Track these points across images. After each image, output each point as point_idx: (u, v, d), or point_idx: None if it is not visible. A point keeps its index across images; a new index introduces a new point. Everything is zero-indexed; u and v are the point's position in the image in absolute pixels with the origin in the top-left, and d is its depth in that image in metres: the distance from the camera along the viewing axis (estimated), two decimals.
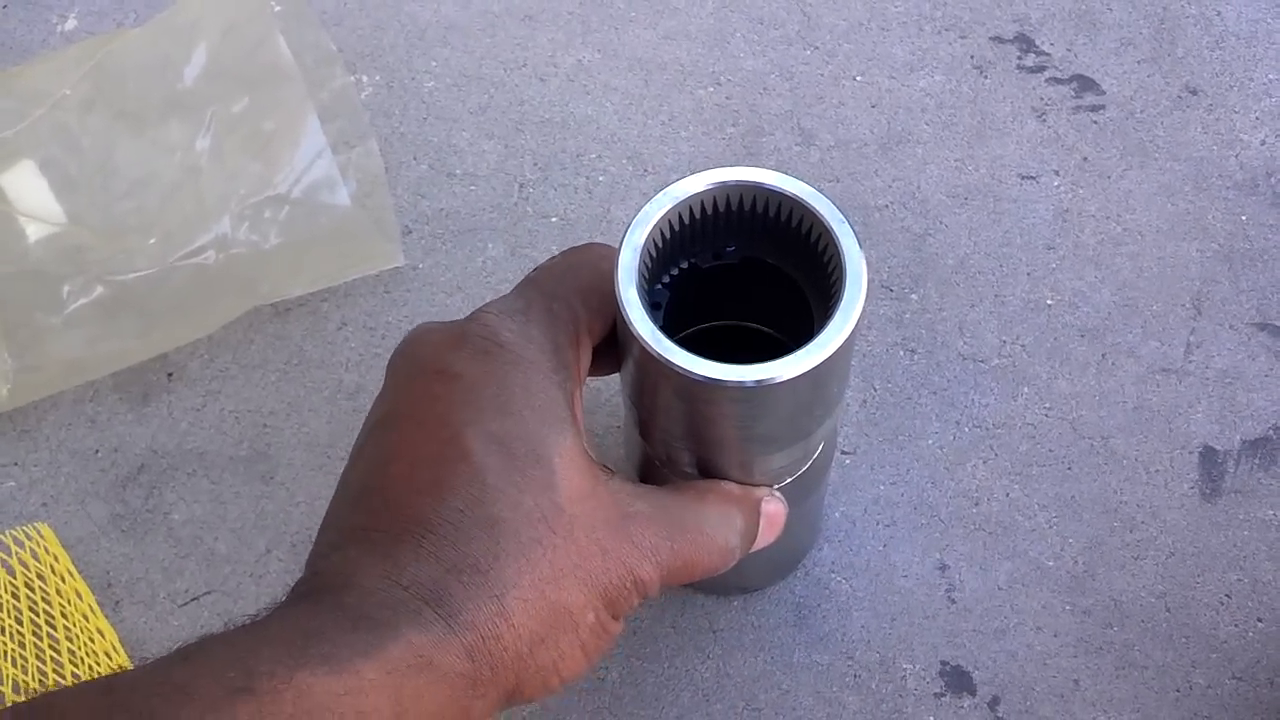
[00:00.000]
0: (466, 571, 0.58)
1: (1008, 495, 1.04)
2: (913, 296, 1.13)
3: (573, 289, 0.79)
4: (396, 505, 0.61)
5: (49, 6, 1.29)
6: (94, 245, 0.97)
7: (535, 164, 1.21)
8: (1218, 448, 1.05)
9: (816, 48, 1.28)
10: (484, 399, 0.63)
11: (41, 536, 0.99)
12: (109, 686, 0.51)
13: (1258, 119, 1.22)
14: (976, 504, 1.03)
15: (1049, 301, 1.13)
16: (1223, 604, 0.99)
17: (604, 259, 0.86)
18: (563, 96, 1.25)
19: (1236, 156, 1.20)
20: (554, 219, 1.18)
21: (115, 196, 0.99)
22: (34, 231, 0.98)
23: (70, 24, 1.28)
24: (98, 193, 0.99)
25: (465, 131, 1.22)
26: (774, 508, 0.78)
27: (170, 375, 1.10)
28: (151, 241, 0.97)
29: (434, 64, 1.26)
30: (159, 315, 1.02)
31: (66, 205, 1.00)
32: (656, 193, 0.81)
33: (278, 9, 1.09)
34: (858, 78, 1.26)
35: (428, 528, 0.59)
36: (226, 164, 1.00)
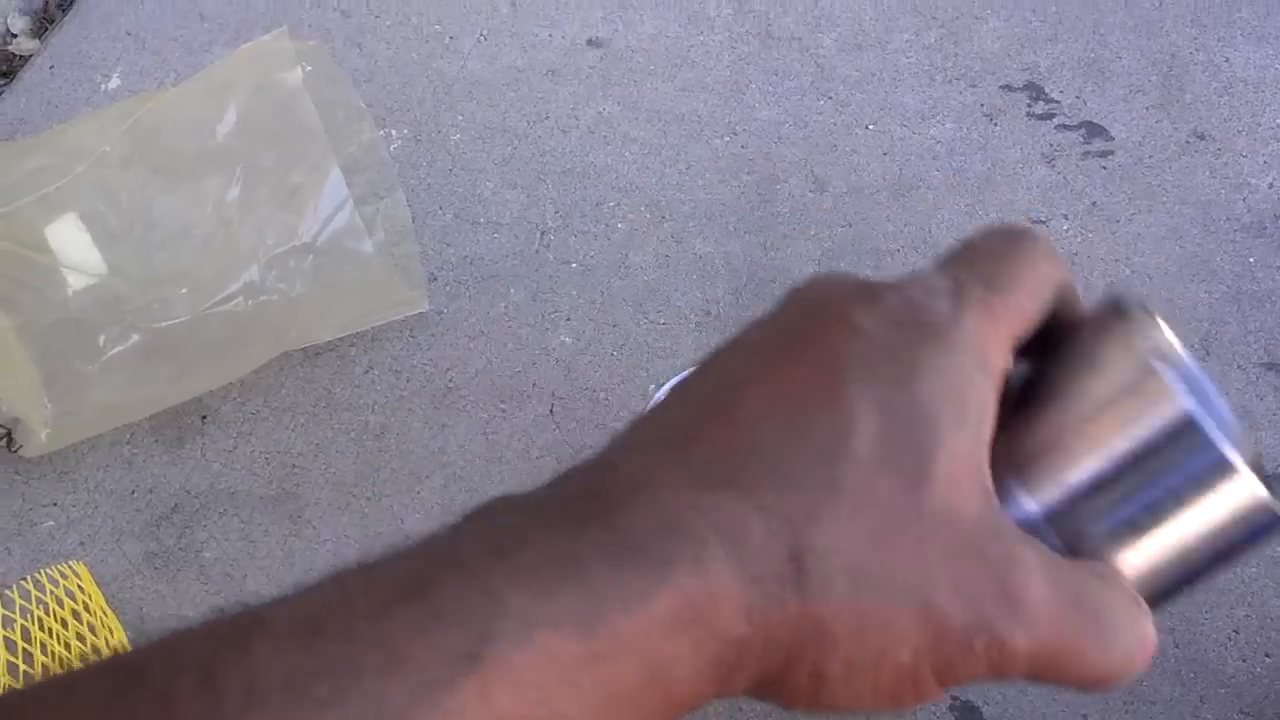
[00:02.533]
0: (778, 519, 0.45)
1: None
2: None
3: (1020, 286, 0.64)
4: (735, 422, 0.48)
5: (94, 67, 1.35)
6: (130, 295, 1.02)
7: (557, 212, 1.25)
8: None
9: (830, 98, 1.32)
10: (884, 363, 0.50)
11: (77, 575, 1.03)
12: (314, 626, 0.40)
13: (1266, 162, 1.24)
14: None
15: None
16: (1230, 639, 1.00)
17: (1048, 260, 0.65)
18: (583, 147, 1.29)
19: (1244, 200, 1.22)
20: (574, 265, 1.22)
21: (152, 248, 1.03)
22: (75, 282, 1.02)
23: (114, 83, 1.34)
24: (136, 244, 1.04)
25: (490, 181, 1.27)
26: (1153, 636, 0.61)
27: (204, 418, 1.14)
28: (184, 291, 1.01)
29: (460, 118, 1.31)
30: (192, 361, 1.07)
31: (107, 256, 1.05)
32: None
33: (309, 69, 1.14)
34: (870, 126, 1.29)
35: (759, 457, 0.47)
36: (255, 215, 1.05)
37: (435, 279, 1.21)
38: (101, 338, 1.02)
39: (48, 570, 1.04)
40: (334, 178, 1.05)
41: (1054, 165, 1.25)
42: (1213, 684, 0.99)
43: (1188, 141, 1.26)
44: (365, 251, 1.06)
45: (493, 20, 1.38)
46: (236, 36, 1.36)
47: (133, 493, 1.11)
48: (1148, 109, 1.29)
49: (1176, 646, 0.99)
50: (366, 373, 1.17)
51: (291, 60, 1.03)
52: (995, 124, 1.28)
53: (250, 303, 1.02)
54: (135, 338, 1.02)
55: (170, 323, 1.02)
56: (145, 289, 1.03)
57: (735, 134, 1.29)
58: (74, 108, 1.31)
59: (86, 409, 1.06)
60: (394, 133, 1.30)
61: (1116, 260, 1.20)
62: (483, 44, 1.36)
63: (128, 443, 1.13)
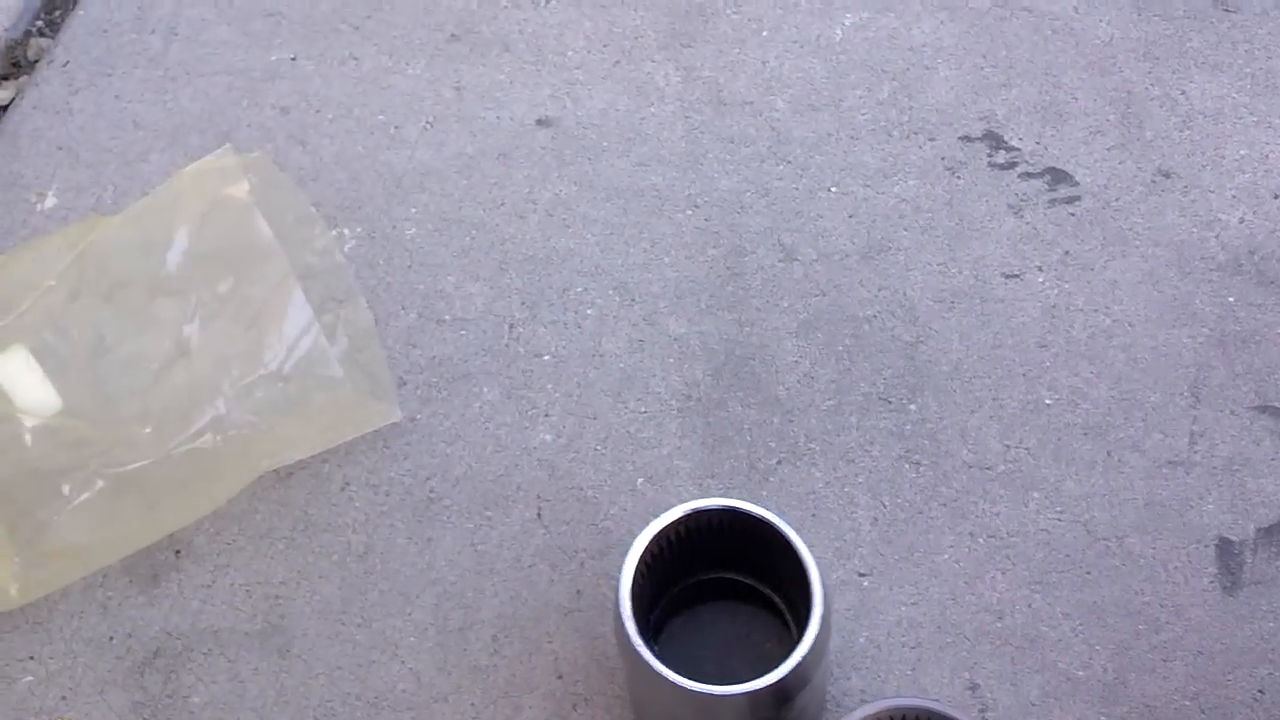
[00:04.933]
0: None
1: (1030, 606, 1.03)
2: (911, 407, 1.14)
3: None
4: None
5: (27, 186, 1.30)
6: (91, 437, 0.97)
7: (523, 302, 1.21)
8: (1233, 538, 1.06)
9: (789, 162, 1.29)
10: None
11: None
12: None
13: (1234, 196, 1.24)
14: (1000, 618, 1.03)
15: (1048, 401, 1.13)
16: (1256, 700, 0.98)
17: None
18: (543, 232, 1.25)
19: (1217, 237, 1.21)
20: (546, 357, 1.18)
21: (109, 384, 0.99)
22: (31, 426, 0.97)
23: (50, 201, 1.29)
24: (92, 381, 0.99)
25: (450, 275, 1.23)
26: None
27: (178, 553, 1.08)
28: (148, 430, 0.96)
29: (413, 210, 1.27)
30: (162, 500, 1.02)
31: (61, 394, 1.00)
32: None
33: (254, 180, 1.09)
34: (832, 189, 1.27)
35: None
36: (215, 345, 1.00)
37: (404, 383, 1.17)
38: (65, 486, 0.97)
39: None
40: (296, 299, 1.00)
41: (1022, 215, 1.24)
42: None
43: (1153, 181, 1.26)
44: (334, 375, 1.02)
45: (437, 106, 1.34)
46: (173, 143, 1.31)
47: (111, 639, 1.06)
48: (1109, 150, 1.28)
49: (1203, 713, 0.97)
50: (343, 490, 1.12)
51: (239, 176, 0.99)
52: (958, 177, 1.27)
53: (219, 438, 0.98)
54: (100, 484, 0.97)
55: (136, 465, 0.98)
56: (106, 430, 0.98)
57: (697, 206, 1.26)
58: (11, 230, 1.25)
59: (55, 558, 1.00)
60: (347, 231, 1.25)
61: (1095, 310, 1.18)
62: (429, 131, 1.32)
63: (100, 585, 1.08)
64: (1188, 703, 1.00)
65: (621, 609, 0.88)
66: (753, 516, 0.90)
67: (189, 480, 1.00)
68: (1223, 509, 1.07)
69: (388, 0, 1.42)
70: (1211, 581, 1.04)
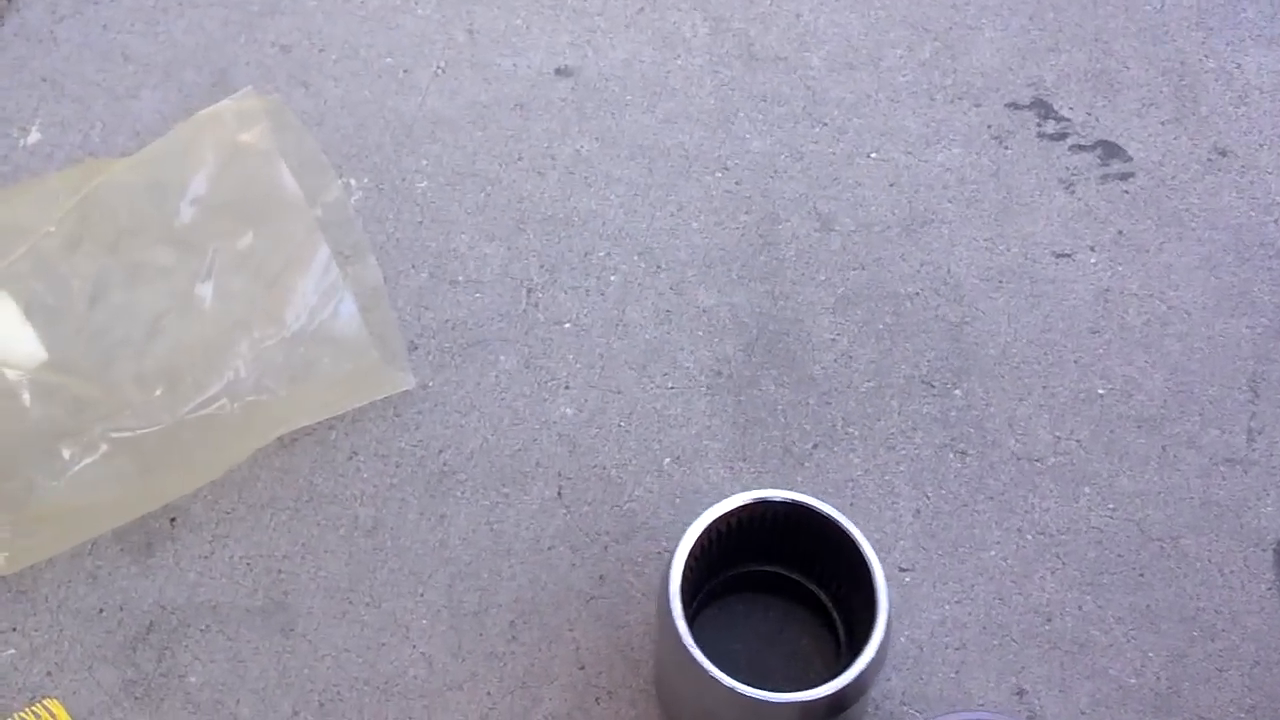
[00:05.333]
0: None
1: (1080, 608, 0.98)
2: (956, 392, 1.07)
3: None
4: None
5: (8, 119, 1.19)
6: (95, 399, 0.88)
7: (542, 265, 1.13)
8: None
9: (825, 124, 1.22)
10: None
11: (52, 714, 0.90)
12: None
13: None
14: (1049, 620, 0.97)
15: (1100, 391, 1.07)
16: None
17: None
18: (563, 190, 1.17)
19: (1276, 221, 1.15)
20: (567, 324, 1.10)
21: (114, 344, 0.90)
22: (30, 383, 0.88)
23: (33, 137, 1.18)
24: (94, 340, 0.90)
25: (464, 234, 1.15)
26: None
27: (173, 520, 1.00)
28: (158, 393, 0.88)
29: (424, 162, 1.18)
30: (167, 467, 0.93)
31: (59, 355, 0.91)
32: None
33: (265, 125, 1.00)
34: (872, 155, 1.20)
35: None
36: (233, 304, 0.92)
37: (415, 348, 1.09)
38: (65, 451, 0.88)
39: (20, 714, 0.92)
40: (321, 256, 0.92)
41: (1073, 191, 1.17)
42: None
43: (1209, 159, 1.19)
44: (363, 340, 0.94)
45: (449, 50, 1.25)
46: (165, 78, 1.21)
47: (101, 611, 0.98)
48: (1163, 124, 1.21)
49: None
50: (350, 459, 1.04)
51: (262, 124, 0.90)
52: (1006, 147, 1.20)
53: (235, 404, 0.89)
54: (103, 448, 0.88)
55: (145, 430, 0.89)
56: (111, 391, 0.90)
57: (727, 169, 1.18)
58: None
59: (47, 526, 0.92)
60: (353, 182, 1.16)
61: (1150, 295, 1.12)
62: (441, 77, 1.23)
63: (90, 554, 0.99)
64: (1243, 715, 0.94)
65: (672, 604, 0.81)
66: (818, 513, 0.83)
67: (197, 447, 0.92)
68: None
69: None
70: (1269, 588, 0.99)
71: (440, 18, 1.27)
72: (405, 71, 1.23)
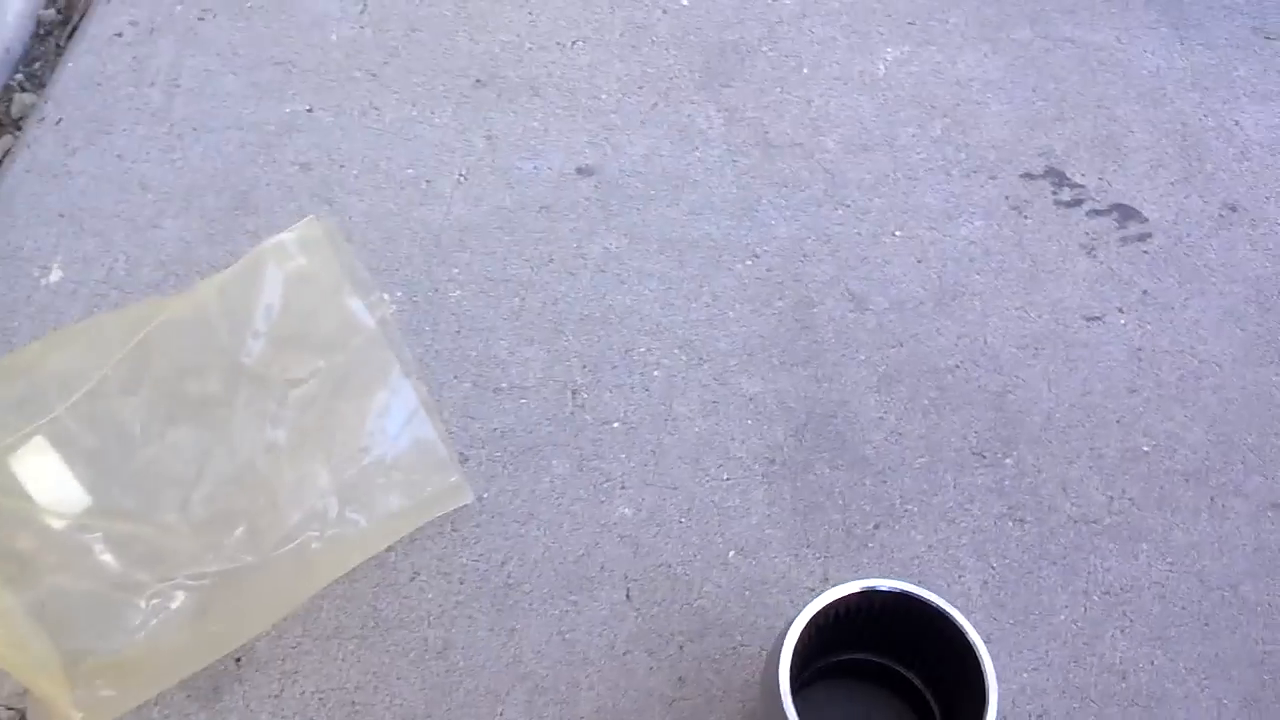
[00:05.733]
0: None
1: (1152, 663, 0.99)
2: (1007, 461, 1.09)
3: None
4: None
5: (28, 259, 1.18)
6: (171, 546, 0.87)
7: (584, 366, 1.13)
8: None
9: (847, 206, 1.24)
10: None
11: None
12: None
13: None
14: (1124, 678, 0.98)
15: (1145, 448, 1.09)
16: None
17: None
18: (597, 289, 1.18)
19: None
20: (615, 424, 1.11)
21: (183, 485, 0.88)
22: (98, 543, 0.87)
23: (54, 275, 1.17)
24: (159, 483, 0.88)
25: (503, 340, 1.15)
26: None
27: (239, 661, 0.98)
28: (239, 532, 0.87)
29: (456, 271, 1.19)
30: (246, 610, 0.92)
31: (127, 505, 0.89)
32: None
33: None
34: (897, 233, 1.22)
35: None
36: (309, 438, 0.91)
37: (466, 460, 1.08)
38: (142, 602, 0.87)
39: None
40: (394, 377, 0.91)
41: (1095, 255, 1.20)
42: None
43: (1220, 215, 1.22)
44: (440, 458, 0.93)
45: (469, 158, 1.26)
46: (186, 206, 1.21)
47: None
48: (1173, 184, 1.24)
49: None
50: (413, 580, 1.03)
51: (325, 251, 0.90)
52: (1025, 216, 1.22)
53: (320, 539, 0.88)
54: (181, 596, 0.87)
55: (223, 570, 0.87)
56: (188, 538, 0.88)
57: (757, 256, 1.20)
58: (14, 308, 1.14)
59: (123, 682, 0.90)
60: (386, 296, 1.16)
61: (1181, 351, 1.14)
62: (464, 185, 1.24)
63: (155, 703, 0.97)
64: None
65: (785, 703, 0.81)
66: (927, 604, 0.83)
67: (279, 585, 0.90)
68: None
69: (404, 45, 1.34)
70: None
71: (458, 125, 1.28)
72: (428, 182, 1.24)
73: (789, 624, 0.83)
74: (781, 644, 0.82)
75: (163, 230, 1.20)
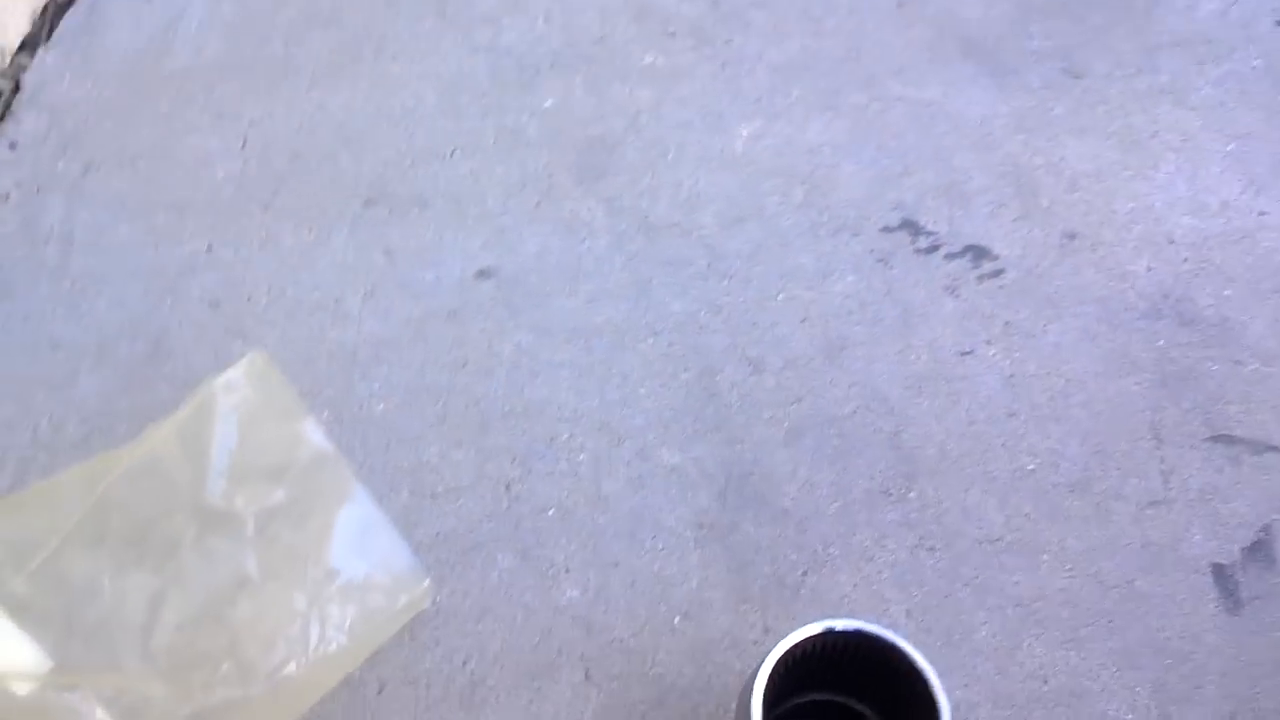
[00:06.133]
0: None
1: (1069, 664, 1.10)
2: (911, 495, 1.19)
3: None
4: None
5: None
6: (160, 694, 0.90)
7: (513, 460, 1.20)
8: (1224, 562, 1.15)
9: (731, 276, 1.33)
10: None
11: None
12: None
13: (1135, 248, 1.35)
14: (1045, 681, 1.09)
15: (1030, 466, 1.20)
16: None
17: None
18: (514, 384, 1.25)
19: (1132, 287, 1.32)
20: (551, 511, 1.17)
21: (165, 631, 0.92)
22: (96, 702, 0.90)
23: None
24: (135, 633, 0.92)
25: (433, 446, 1.21)
26: None
27: None
28: (224, 668, 0.90)
29: (377, 385, 1.24)
30: None
31: (108, 656, 0.92)
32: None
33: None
34: (779, 296, 1.32)
35: None
36: (282, 566, 0.95)
37: (407, 568, 1.14)
38: None
39: None
40: (358, 496, 0.97)
41: (958, 295, 1.32)
42: None
43: (1062, 244, 1.35)
44: (412, 568, 0.99)
45: (371, 275, 1.31)
46: (100, 358, 1.24)
47: None
48: (1015, 221, 1.37)
49: None
50: (380, 693, 1.08)
51: (274, 381, 0.95)
52: (890, 267, 1.33)
53: (303, 663, 0.92)
54: None
55: (210, 705, 0.91)
56: (161, 681, 0.92)
57: (656, 334, 1.28)
58: None
59: None
60: (313, 419, 1.21)
61: (1048, 373, 1.26)
62: (371, 301, 1.29)
63: None
64: None
65: None
66: (879, 639, 0.92)
67: (268, 715, 0.95)
68: (1208, 537, 1.17)
69: (290, 174, 1.39)
70: (1216, 606, 1.13)
71: (356, 245, 1.33)
72: (336, 302, 1.29)
73: (756, 671, 0.91)
74: (751, 690, 0.90)
75: (81, 387, 1.23)
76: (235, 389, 0.99)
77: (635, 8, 1.58)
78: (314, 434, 1.00)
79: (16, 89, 1.45)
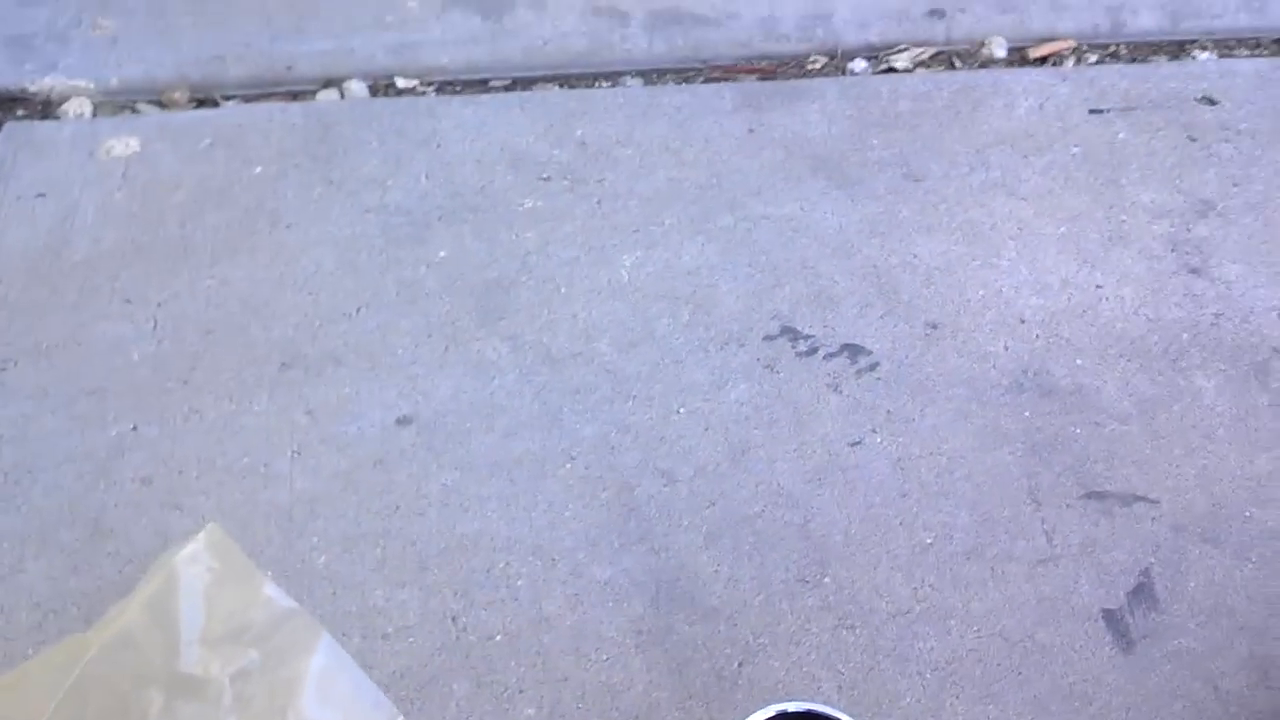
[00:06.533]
0: None
1: (989, 717, 1.20)
2: (826, 580, 1.29)
3: None
4: None
5: None
6: None
7: (455, 593, 1.27)
8: (1113, 608, 1.27)
9: (634, 397, 1.43)
10: None
11: None
12: None
13: (991, 331, 1.49)
14: None
15: (928, 540, 1.32)
16: None
17: None
18: (446, 522, 1.32)
19: (994, 367, 1.46)
20: (498, 637, 1.24)
21: None
22: None
23: None
24: None
25: (377, 590, 1.27)
26: None
27: None
28: None
29: (315, 539, 1.30)
30: None
31: None
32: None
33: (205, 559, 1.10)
34: (680, 410, 1.42)
35: None
36: None
37: (377, 706, 1.20)
38: None
39: None
40: (325, 644, 1.03)
41: (840, 391, 1.44)
42: None
43: (926, 335, 1.49)
44: (386, 708, 1.04)
45: (296, 435, 1.38)
46: (43, 545, 1.27)
47: None
48: (881, 318, 1.51)
49: None
50: None
51: (232, 548, 1.01)
52: (777, 372, 1.45)
53: None
54: None
55: None
56: None
57: (573, 459, 1.37)
58: None
59: None
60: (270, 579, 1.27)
61: (931, 454, 1.39)
62: (299, 460, 1.36)
63: None
64: None
65: None
66: (830, 718, 1.01)
67: None
68: (1095, 586, 1.29)
69: (203, 349, 1.45)
70: (1112, 648, 1.25)
71: (277, 408, 1.40)
72: (265, 465, 1.35)
73: None
74: None
75: (27, 573, 1.26)
76: (197, 560, 1.05)
77: (509, 157, 1.70)
78: (275, 593, 1.06)
79: None
